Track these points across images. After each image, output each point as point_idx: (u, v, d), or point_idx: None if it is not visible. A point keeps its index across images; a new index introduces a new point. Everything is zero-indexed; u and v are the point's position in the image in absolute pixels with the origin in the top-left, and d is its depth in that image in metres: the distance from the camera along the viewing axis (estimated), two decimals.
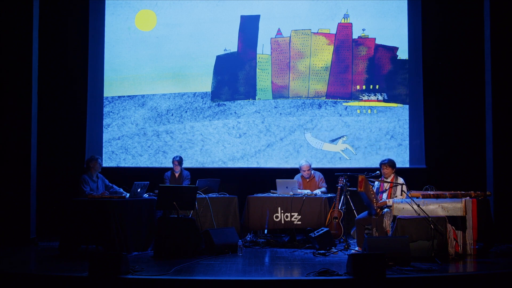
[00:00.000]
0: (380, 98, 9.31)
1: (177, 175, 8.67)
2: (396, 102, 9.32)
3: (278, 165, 9.37)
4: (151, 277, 5.60)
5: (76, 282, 5.50)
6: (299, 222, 7.93)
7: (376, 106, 9.33)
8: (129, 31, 9.60)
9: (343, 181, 8.02)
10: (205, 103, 9.48)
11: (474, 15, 9.06)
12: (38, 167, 8.50)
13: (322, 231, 7.44)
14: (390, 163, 7.43)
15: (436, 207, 6.93)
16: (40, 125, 8.61)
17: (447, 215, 6.89)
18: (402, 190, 7.22)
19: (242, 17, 9.56)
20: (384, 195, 7.37)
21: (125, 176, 8.76)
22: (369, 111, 9.31)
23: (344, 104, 9.31)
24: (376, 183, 7.49)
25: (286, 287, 5.53)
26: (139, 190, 7.56)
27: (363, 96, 9.32)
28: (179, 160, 8.68)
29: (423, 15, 9.40)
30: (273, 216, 8.01)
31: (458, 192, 7.17)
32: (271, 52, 9.49)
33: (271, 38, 9.49)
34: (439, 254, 6.58)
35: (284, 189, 8.13)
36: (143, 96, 9.53)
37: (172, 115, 9.50)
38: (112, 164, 9.45)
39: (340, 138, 9.27)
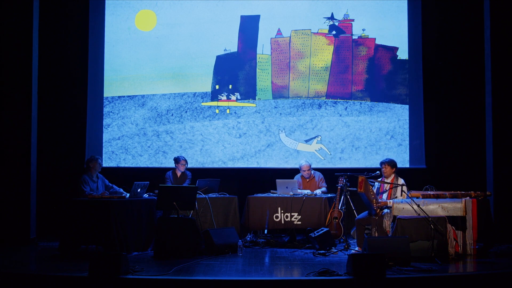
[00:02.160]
0: (233, 98, 9.34)
1: (179, 174, 8.66)
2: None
3: (278, 165, 9.37)
4: (151, 277, 5.60)
5: (76, 282, 5.50)
6: (299, 222, 7.93)
7: (231, 106, 9.36)
8: (129, 31, 9.60)
9: (343, 181, 8.02)
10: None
11: (474, 15, 9.06)
12: (38, 167, 8.51)
13: (322, 231, 7.45)
14: (391, 163, 7.44)
15: (436, 207, 6.93)
16: (40, 125, 8.61)
17: (447, 215, 6.89)
18: (402, 191, 7.22)
19: (242, 17, 9.56)
20: (384, 196, 7.37)
21: (125, 176, 8.76)
22: (227, 111, 9.34)
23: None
24: (376, 183, 7.49)
25: (286, 287, 5.53)
26: (139, 190, 7.55)
27: (222, 96, 9.35)
28: (186, 160, 8.67)
29: (423, 15, 9.40)
30: (273, 216, 8.01)
31: (458, 192, 7.17)
32: (271, 52, 9.50)
33: (271, 38, 9.49)
34: (439, 254, 6.58)
35: (284, 189, 8.13)
36: (143, 96, 9.53)
37: (172, 115, 9.50)
38: (112, 164, 9.45)
39: (314, 138, 9.27)
